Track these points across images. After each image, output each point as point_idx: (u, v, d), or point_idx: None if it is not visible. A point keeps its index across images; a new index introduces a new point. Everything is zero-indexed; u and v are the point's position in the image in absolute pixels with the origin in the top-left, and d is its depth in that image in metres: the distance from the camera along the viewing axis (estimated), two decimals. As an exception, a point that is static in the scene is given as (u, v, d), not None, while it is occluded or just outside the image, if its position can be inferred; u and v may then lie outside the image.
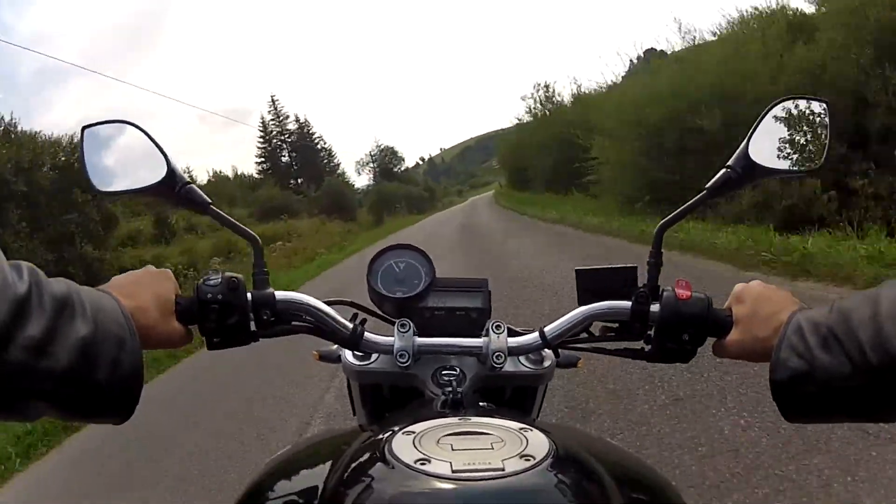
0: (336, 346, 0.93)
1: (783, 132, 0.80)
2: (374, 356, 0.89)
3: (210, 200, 0.79)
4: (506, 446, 0.56)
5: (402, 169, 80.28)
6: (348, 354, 0.91)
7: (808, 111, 0.81)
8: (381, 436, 0.60)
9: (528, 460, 0.53)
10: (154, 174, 0.77)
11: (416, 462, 0.53)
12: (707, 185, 0.80)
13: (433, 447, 0.56)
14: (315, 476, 0.62)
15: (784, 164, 0.79)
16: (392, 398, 0.91)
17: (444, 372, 0.84)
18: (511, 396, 0.93)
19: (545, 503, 0.51)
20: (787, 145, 0.80)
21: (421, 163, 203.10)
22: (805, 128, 0.81)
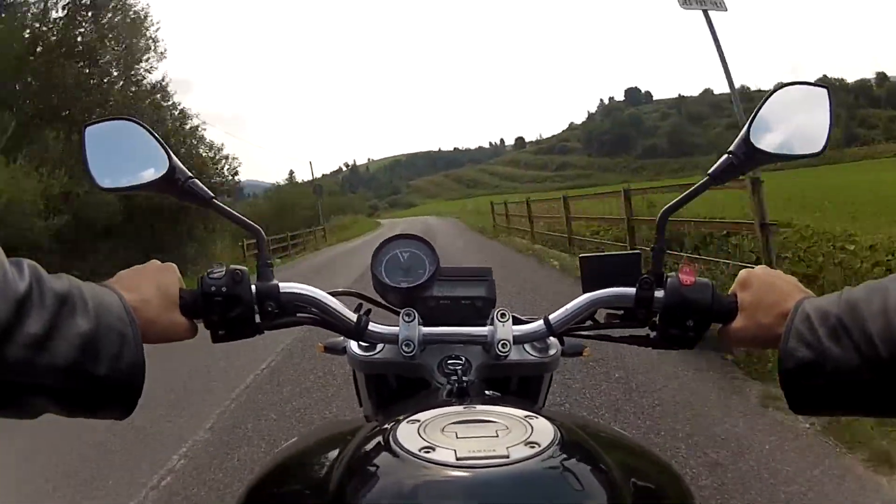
0: (341, 337, 0.93)
1: (783, 117, 0.80)
2: (380, 347, 0.90)
3: (213, 195, 0.80)
4: (511, 434, 0.56)
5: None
6: (353, 345, 0.91)
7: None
8: (386, 425, 0.61)
9: (534, 447, 0.53)
10: (156, 169, 0.78)
11: (420, 450, 0.53)
12: (709, 171, 0.80)
13: (438, 435, 0.56)
14: (322, 466, 0.62)
15: (785, 149, 0.79)
16: (398, 388, 0.91)
17: (449, 361, 0.84)
18: (517, 385, 0.93)
19: (550, 489, 0.51)
20: (787, 130, 0.79)
21: (344, 168, 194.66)
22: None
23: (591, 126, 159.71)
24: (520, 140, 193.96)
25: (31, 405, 0.55)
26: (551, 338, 0.89)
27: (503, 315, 0.81)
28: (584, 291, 0.82)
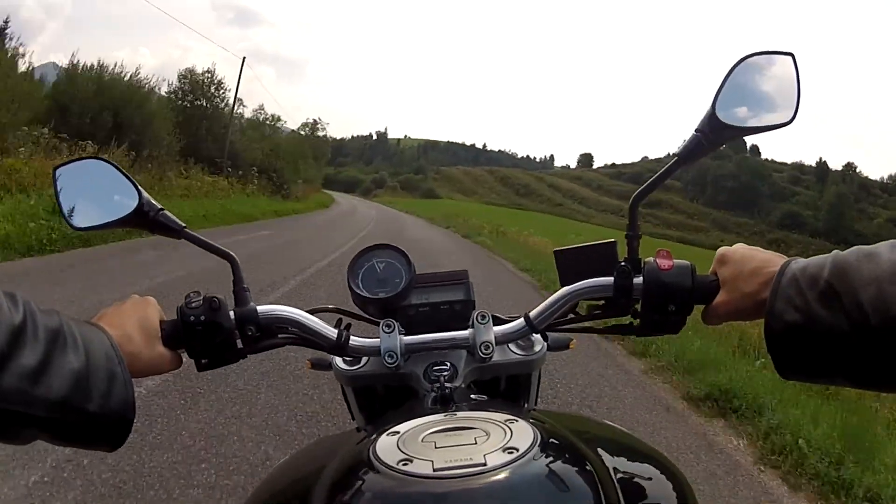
0: None
1: (750, 89, 0.78)
2: (364, 359, 0.90)
3: (184, 225, 0.81)
4: (489, 440, 0.56)
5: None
6: (338, 360, 0.92)
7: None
8: (367, 439, 0.61)
9: (511, 453, 0.53)
10: (127, 205, 0.79)
11: (398, 463, 0.53)
12: (678, 152, 0.79)
13: (417, 446, 0.57)
14: (310, 485, 0.62)
15: (754, 122, 0.78)
16: (387, 398, 0.92)
17: (435, 367, 0.84)
18: (506, 385, 0.94)
19: (527, 496, 0.50)
20: (755, 102, 0.78)
21: (374, 136, 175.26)
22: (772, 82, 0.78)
23: (703, 165, 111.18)
24: (586, 157, 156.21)
25: (21, 433, 0.56)
26: (536, 335, 0.88)
27: (483, 317, 0.81)
28: (563, 285, 0.82)
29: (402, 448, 0.56)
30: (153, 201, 0.80)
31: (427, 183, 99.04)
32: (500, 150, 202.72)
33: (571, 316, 0.84)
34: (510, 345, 0.90)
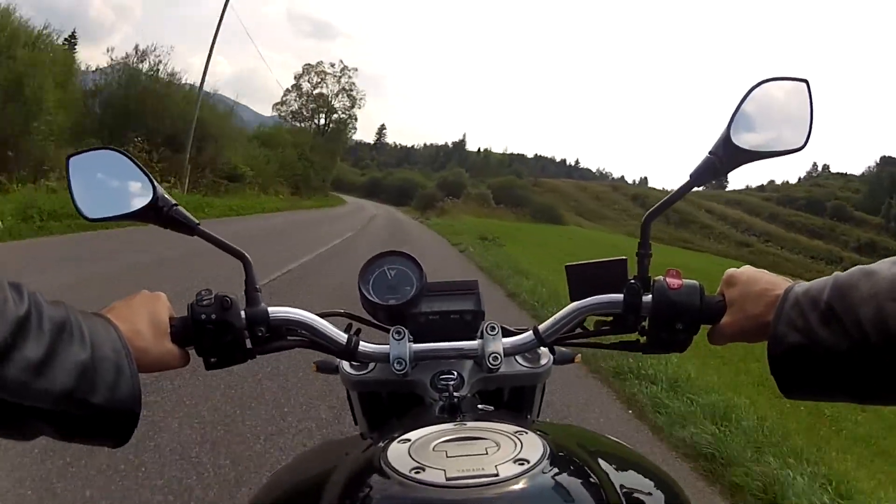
0: None
1: (764, 114, 0.79)
2: (372, 365, 0.91)
3: (198, 221, 0.80)
4: (500, 451, 0.57)
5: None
6: (345, 365, 0.92)
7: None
8: (377, 445, 0.62)
9: (523, 464, 0.54)
10: (141, 198, 0.79)
11: (410, 471, 0.54)
12: (691, 173, 0.80)
13: (428, 455, 0.57)
14: (314, 488, 0.62)
15: (767, 146, 0.79)
16: (392, 404, 0.92)
17: (442, 376, 0.84)
18: (510, 396, 0.94)
19: None
20: (769, 127, 0.79)
21: (449, 146, 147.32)
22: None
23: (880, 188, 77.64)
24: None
25: (26, 427, 0.55)
26: (542, 348, 0.89)
27: (492, 328, 0.81)
28: (572, 300, 0.82)
29: (414, 456, 0.57)
30: (167, 196, 0.79)
31: (529, 195, 60.43)
32: (591, 169, 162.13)
33: (579, 331, 0.84)
34: (517, 357, 0.90)
